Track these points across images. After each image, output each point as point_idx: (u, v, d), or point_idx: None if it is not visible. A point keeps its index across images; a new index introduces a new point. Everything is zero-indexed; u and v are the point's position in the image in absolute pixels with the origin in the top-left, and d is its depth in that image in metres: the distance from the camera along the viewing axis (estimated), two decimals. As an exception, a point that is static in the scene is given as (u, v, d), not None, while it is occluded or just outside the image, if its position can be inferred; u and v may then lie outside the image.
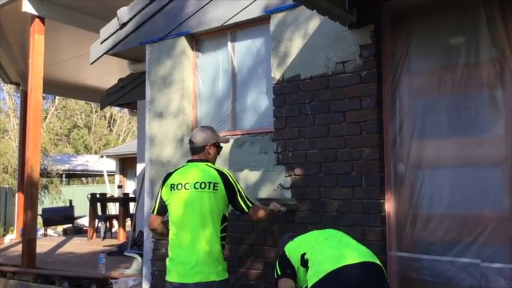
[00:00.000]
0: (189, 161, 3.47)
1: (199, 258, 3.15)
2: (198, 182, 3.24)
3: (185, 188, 3.25)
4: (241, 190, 3.40)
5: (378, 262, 2.83)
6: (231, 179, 3.35)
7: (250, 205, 3.42)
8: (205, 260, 3.15)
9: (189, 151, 3.56)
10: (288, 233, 3.63)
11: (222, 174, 3.32)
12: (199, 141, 3.42)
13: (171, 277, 3.21)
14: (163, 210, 3.38)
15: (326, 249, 2.91)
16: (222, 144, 3.61)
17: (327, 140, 3.95)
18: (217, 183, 3.25)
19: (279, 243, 3.51)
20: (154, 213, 3.43)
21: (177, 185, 3.29)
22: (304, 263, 2.98)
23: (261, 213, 3.56)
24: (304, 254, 3.00)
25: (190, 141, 3.47)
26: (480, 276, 3.32)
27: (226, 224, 3.33)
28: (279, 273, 3.15)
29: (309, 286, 2.79)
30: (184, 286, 3.13)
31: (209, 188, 3.23)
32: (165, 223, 3.44)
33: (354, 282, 2.70)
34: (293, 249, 3.15)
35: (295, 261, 3.07)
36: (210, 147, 3.44)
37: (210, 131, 3.52)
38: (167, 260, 3.31)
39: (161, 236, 3.63)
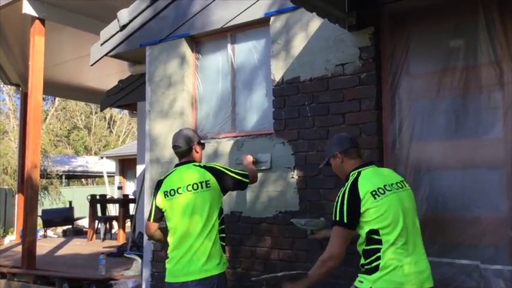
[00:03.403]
0: (177, 165, 3.52)
1: (202, 257, 3.21)
2: (190, 185, 3.31)
3: (178, 193, 3.31)
4: (231, 169, 3.54)
5: (433, 284, 2.74)
6: (219, 168, 3.47)
7: (245, 173, 3.60)
8: (208, 257, 3.22)
9: None
10: (345, 134, 3.23)
11: (210, 169, 3.41)
12: (185, 144, 3.49)
13: (176, 278, 3.24)
14: (159, 217, 3.43)
15: (403, 262, 2.62)
16: (221, 146, 3.64)
17: (327, 142, 3.96)
18: (208, 180, 3.33)
19: (336, 142, 3.06)
20: (151, 220, 3.47)
21: (170, 191, 3.34)
22: (369, 236, 2.67)
23: (254, 172, 3.83)
24: (378, 233, 2.64)
25: (177, 146, 3.51)
26: (479, 278, 3.32)
27: (223, 215, 3.42)
28: (345, 220, 2.68)
29: None
30: (186, 284, 3.18)
31: (202, 188, 3.30)
32: (162, 229, 3.48)
33: None
34: (372, 211, 2.67)
35: (364, 221, 2.67)
36: (196, 147, 3.54)
37: (191, 132, 3.63)
38: (168, 261, 3.33)
39: (159, 241, 3.68)
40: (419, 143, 3.66)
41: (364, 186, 2.72)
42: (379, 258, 2.62)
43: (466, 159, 3.49)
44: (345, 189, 2.77)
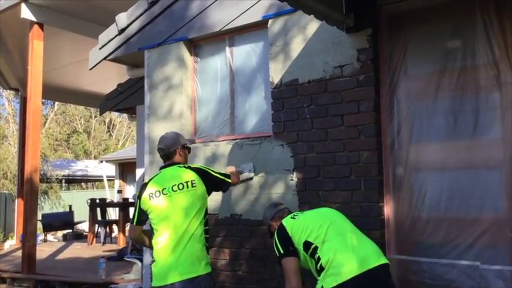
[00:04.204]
0: (162, 168, 3.54)
1: (188, 257, 3.20)
2: (175, 185, 3.32)
3: (163, 194, 3.32)
4: (214, 170, 3.64)
5: (386, 260, 2.94)
6: (204, 169, 3.53)
7: (228, 174, 3.71)
8: (194, 257, 3.21)
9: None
10: (274, 202, 3.82)
11: (195, 170, 3.45)
12: (169, 147, 3.53)
13: (162, 281, 3.21)
14: (143, 219, 3.44)
15: (341, 252, 2.89)
16: (220, 148, 3.65)
17: (326, 144, 3.97)
18: (194, 180, 3.35)
19: (266, 213, 3.59)
20: (134, 223, 3.47)
21: (155, 192, 3.34)
22: (308, 250, 2.99)
23: (236, 178, 3.98)
24: (311, 243, 2.98)
25: (160, 149, 3.56)
26: (479, 278, 3.33)
27: (207, 217, 3.44)
28: (282, 251, 3.11)
29: (324, 287, 2.83)
30: (173, 286, 3.16)
31: (187, 187, 3.32)
32: (145, 232, 3.49)
33: None
34: (295, 229, 3.11)
35: (297, 243, 3.06)
36: (180, 150, 3.56)
37: (176, 135, 3.66)
38: (154, 265, 3.29)
39: (142, 244, 3.71)
40: (418, 144, 3.66)
41: (286, 220, 3.25)
42: (319, 259, 2.92)
43: (464, 159, 3.50)
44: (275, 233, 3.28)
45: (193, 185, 3.33)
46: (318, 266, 2.92)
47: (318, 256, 2.93)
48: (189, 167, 3.46)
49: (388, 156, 3.76)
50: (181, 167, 3.46)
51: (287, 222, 3.21)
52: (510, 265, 3.24)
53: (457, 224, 3.47)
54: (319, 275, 2.93)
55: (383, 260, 2.92)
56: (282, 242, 3.14)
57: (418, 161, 3.66)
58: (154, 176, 3.49)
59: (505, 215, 3.30)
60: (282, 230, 3.18)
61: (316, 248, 2.96)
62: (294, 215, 3.27)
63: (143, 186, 3.46)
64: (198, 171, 3.43)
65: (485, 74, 3.43)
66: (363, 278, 2.77)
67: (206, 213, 3.42)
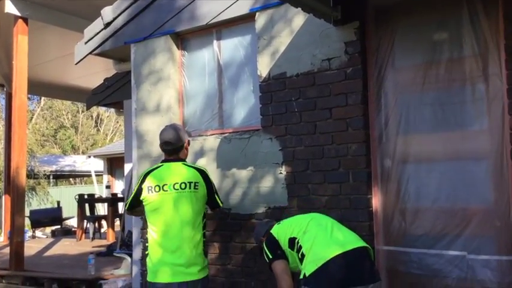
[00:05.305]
0: (164, 161, 3.42)
1: (185, 258, 3.15)
2: (177, 183, 3.23)
3: (163, 190, 3.23)
4: (215, 186, 3.56)
5: (366, 244, 3.05)
6: (209, 177, 3.44)
7: (221, 202, 3.64)
8: (191, 260, 3.17)
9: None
10: (265, 219, 3.92)
11: (201, 172, 3.35)
12: (179, 141, 3.41)
13: (158, 278, 3.18)
14: (135, 205, 3.40)
15: (320, 238, 3.02)
16: (208, 143, 3.62)
17: (314, 137, 3.98)
18: (197, 182, 3.27)
19: (257, 230, 3.71)
20: (127, 208, 3.48)
21: (155, 186, 3.25)
22: (294, 247, 3.10)
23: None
24: (295, 238, 3.11)
25: (168, 143, 3.39)
26: (467, 268, 3.36)
27: (205, 220, 3.39)
28: (271, 256, 3.23)
29: (306, 274, 2.89)
30: (170, 285, 3.14)
31: (190, 188, 3.23)
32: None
33: (349, 270, 2.87)
34: (281, 232, 3.28)
35: (283, 244, 3.19)
36: (187, 145, 3.48)
37: (181, 128, 3.54)
38: (149, 260, 3.28)
39: (138, 214, 3.73)
40: (406, 136, 3.68)
41: (273, 228, 3.38)
42: (301, 247, 3.05)
43: (452, 151, 3.52)
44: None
45: (196, 187, 3.24)
46: (300, 254, 3.02)
47: (300, 246, 3.04)
48: (196, 168, 3.37)
49: (376, 149, 3.78)
50: (186, 165, 3.36)
51: (273, 229, 3.38)
52: (497, 255, 3.28)
53: (444, 214, 3.50)
54: (302, 264, 2.99)
55: (362, 244, 3.02)
56: (269, 247, 3.26)
57: (405, 153, 3.68)
58: (156, 168, 3.37)
59: (492, 206, 3.33)
60: (269, 237, 3.34)
61: (298, 240, 3.08)
62: (280, 222, 3.42)
63: (144, 176, 3.35)
64: (203, 174, 3.35)
65: (472, 66, 3.45)
66: (342, 257, 2.86)
67: (204, 216, 3.36)
